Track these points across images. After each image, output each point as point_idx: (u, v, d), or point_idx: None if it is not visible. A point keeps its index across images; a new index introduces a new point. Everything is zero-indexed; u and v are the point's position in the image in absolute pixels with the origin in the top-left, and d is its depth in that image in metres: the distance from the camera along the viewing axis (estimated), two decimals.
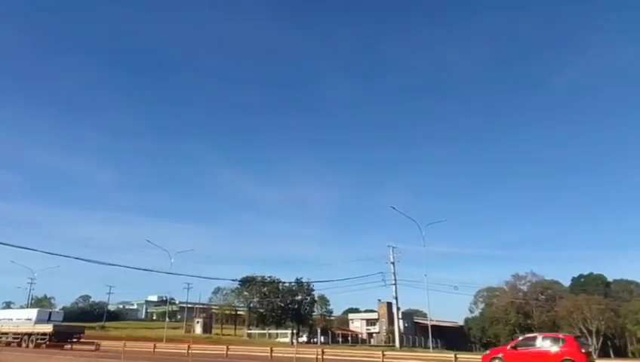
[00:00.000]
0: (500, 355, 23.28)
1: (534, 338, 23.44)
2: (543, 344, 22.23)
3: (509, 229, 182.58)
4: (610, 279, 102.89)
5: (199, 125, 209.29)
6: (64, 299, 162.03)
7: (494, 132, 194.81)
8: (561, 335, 23.42)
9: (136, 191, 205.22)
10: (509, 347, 23.82)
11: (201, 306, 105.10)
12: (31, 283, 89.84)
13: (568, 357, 20.51)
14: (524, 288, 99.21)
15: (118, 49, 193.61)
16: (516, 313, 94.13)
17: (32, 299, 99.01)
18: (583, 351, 21.47)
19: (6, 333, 46.75)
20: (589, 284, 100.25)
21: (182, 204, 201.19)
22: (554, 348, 21.58)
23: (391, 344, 72.06)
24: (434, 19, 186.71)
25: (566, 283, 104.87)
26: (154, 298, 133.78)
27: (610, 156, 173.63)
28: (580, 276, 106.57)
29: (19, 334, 45.67)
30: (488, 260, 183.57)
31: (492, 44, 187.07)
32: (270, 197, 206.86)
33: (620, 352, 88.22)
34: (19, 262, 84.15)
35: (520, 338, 25.12)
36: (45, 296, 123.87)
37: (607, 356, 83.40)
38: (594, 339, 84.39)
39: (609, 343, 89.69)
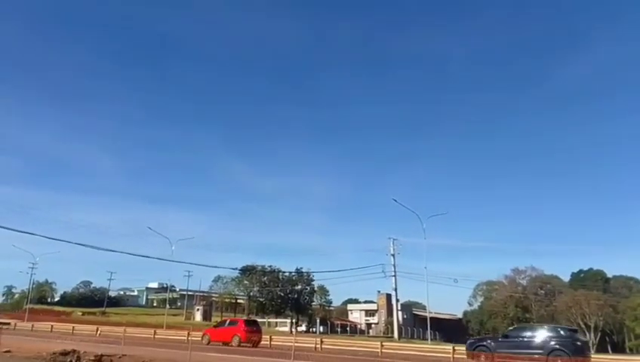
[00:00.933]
0: (207, 332, 35.58)
1: (225, 321, 38.68)
2: (228, 325, 35.19)
3: (509, 223, 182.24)
4: (609, 275, 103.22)
5: (201, 115, 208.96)
6: (65, 284, 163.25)
7: (497, 127, 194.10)
8: (238, 320, 37.12)
9: (138, 178, 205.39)
10: (212, 327, 38.33)
11: (201, 294, 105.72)
12: (32, 268, 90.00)
13: (236, 334, 32.53)
14: (524, 282, 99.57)
15: (119, 39, 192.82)
16: (515, 307, 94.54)
17: (33, 283, 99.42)
18: (248, 329, 32.93)
19: None
20: (588, 280, 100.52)
21: (183, 192, 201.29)
22: (231, 327, 34.00)
23: (389, 335, 72.40)
24: (438, 13, 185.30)
25: (565, 278, 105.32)
26: (154, 285, 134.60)
27: (612, 153, 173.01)
28: (580, 271, 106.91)
29: None
30: (488, 253, 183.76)
31: (496, 39, 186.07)
32: (271, 187, 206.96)
33: (618, 348, 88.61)
34: (20, 247, 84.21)
35: (220, 321, 42.17)
36: (47, 281, 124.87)
37: (605, 351, 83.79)
38: (592, 335, 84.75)
39: (607, 339, 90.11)
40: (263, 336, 35.51)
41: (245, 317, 40.86)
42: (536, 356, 20.24)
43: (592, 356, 23.26)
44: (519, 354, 20.50)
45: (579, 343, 21.62)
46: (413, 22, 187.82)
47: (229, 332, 33.30)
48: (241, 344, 31.37)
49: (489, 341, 23.73)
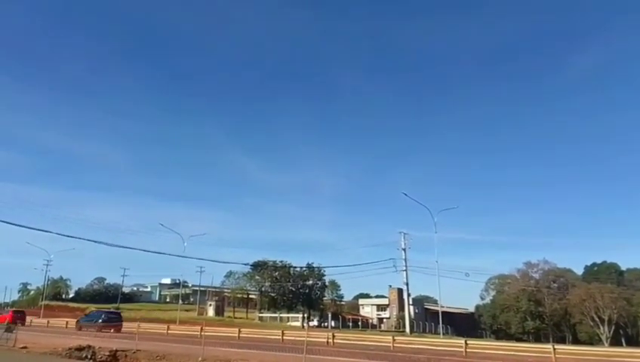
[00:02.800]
0: None
1: (5, 310, 56.07)
2: (4, 313, 53.28)
3: (521, 216, 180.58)
4: (623, 268, 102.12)
5: (210, 111, 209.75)
6: (80, 280, 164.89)
7: (507, 120, 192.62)
8: (10, 310, 56.47)
9: (150, 174, 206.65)
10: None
11: (213, 289, 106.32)
12: (47, 265, 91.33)
13: (7, 319, 44.62)
14: (536, 276, 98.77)
15: (129, 36, 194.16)
16: (527, 300, 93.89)
17: (48, 280, 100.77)
18: (14, 316, 49.18)
19: None
20: (602, 273, 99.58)
21: (194, 188, 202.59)
22: (5, 315, 51.01)
23: (401, 329, 72.39)
24: (447, 5, 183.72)
25: (579, 271, 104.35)
26: (167, 281, 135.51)
27: (626, 143, 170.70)
28: (594, 264, 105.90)
29: None
30: (500, 247, 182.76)
31: (505, 31, 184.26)
32: (280, 183, 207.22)
33: (633, 341, 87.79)
34: (35, 244, 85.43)
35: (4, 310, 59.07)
36: (61, 278, 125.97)
37: (619, 344, 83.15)
38: (606, 328, 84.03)
39: (621, 332, 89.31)
40: (275, 331, 35.72)
41: (15, 309, 59.62)
42: (95, 322, 39.79)
43: (596, 349, 23.51)
44: (90, 323, 40.32)
45: (113, 316, 44.26)
46: (420, 14, 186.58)
47: (3, 318, 47.42)
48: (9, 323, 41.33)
49: (82, 319, 45.28)
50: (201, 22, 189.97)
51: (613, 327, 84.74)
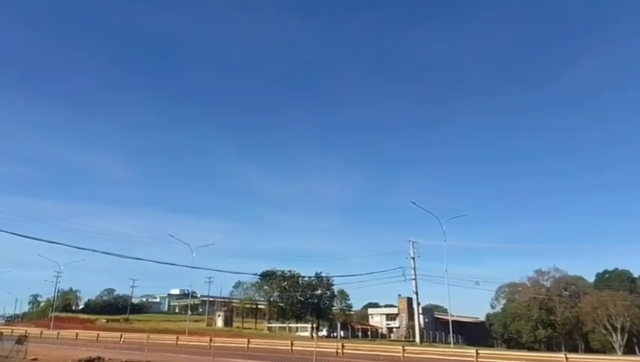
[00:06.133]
0: None
1: None
2: None
3: (531, 224, 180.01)
4: (635, 275, 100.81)
5: (216, 121, 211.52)
6: (89, 291, 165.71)
7: (516, 126, 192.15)
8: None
9: (158, 186, 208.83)
10: None
11: (222, 300, 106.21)
12: (57, 277, 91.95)
13: None
14: (547, 284, 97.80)
15: (135, 47, 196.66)
16: (539, 309, 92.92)
17: (58, 291, 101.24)
18: None
19: None
20: (614, 280, 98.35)
21: (201, 199, 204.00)
22: None
23: (411, 339, 71.83)
24: (449, 12, 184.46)
25: (590, 278, 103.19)
26: (176, 291, 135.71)
27: (635, 149, 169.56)
28: (605, 272, 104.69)
29: None
30: (510, 255, 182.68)
31: (508, 37, 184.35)
32: (287, 192, 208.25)
33: None
34: (45, 256, 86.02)
35: None
36: (71, 289, 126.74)
37: (633, 353, 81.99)
38: (619, 336, 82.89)
39: (634, 340, 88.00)
40: (284, 342, 35.61)
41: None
42: None
43: (609, 357, 23.03)
44: None
45: None
46: (424, 21, 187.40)
47: None
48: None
49: None
50: (206, 33, 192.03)
51: (626, 335, 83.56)
